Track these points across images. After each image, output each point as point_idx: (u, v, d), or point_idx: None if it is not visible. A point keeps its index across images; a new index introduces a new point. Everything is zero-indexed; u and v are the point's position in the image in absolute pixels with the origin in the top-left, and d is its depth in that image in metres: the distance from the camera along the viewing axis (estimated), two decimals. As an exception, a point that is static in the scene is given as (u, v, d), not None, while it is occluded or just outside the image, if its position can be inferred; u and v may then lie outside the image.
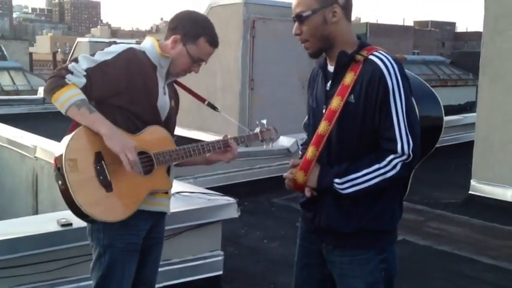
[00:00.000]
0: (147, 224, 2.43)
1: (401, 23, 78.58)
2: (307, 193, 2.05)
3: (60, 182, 2.14)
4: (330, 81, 2.07)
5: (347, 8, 2.05)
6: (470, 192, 6.44)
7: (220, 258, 3.91)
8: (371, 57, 1.98)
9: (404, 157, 1.94)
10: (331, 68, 2.10)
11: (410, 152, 1.94)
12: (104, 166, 2.18)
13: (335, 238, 2.08)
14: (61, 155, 2.13)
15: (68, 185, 2.10)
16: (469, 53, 22.49)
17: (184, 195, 3.88)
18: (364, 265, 2.07)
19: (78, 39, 22.77)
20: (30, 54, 40.03)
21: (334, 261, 2.12)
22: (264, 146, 2.85)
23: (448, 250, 4.96)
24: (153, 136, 2.35)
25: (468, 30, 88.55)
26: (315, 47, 2.07)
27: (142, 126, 2.32)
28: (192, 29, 2.42)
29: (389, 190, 2.04)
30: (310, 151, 2.04)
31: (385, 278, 2.09)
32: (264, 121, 2.85)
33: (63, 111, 2.19)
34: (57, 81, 2.18)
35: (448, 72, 19.12)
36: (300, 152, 2.33)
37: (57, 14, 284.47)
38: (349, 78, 1.98)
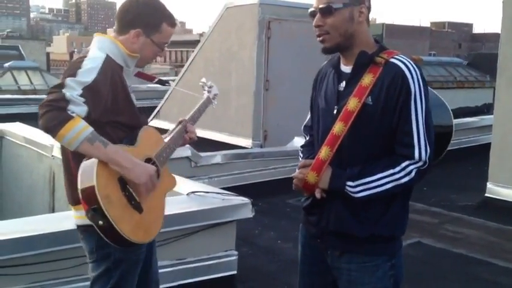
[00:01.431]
0: None
1: (417, 24, 78.09)
2: (318, 194, 2.00)
3: (101, 222, 2.00)
4: (345, 82, 2.03)
5: (369, 12, 2.04)
6: (486, 194, 6.37)
7: (234, 258, 3.92)
8: (393, 60, 1.96)
9: (420, 163, 1.92)
10: (344, 68, 2.06)
11: (427, 158, 1.92)
12: (131, 190, 2.11)
13: (343, 242, 2.03)
14: (93, 193, 1.99)
15: (112, 222, 2.00)
16: (487, 55, 22.26)
17: (199, 195, 3.89)
18: (373, 272, 2.02)
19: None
20: (48, 54, 40.44)
21: (341, 268, 2.07)
22: (213, 105, 2.82)
23: (464, 253, 4.93)
24: (147, 139, 2.29)
25: (485, 32, 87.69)
26: (333, 41, 2.00)
27: (130, 133, 2.25)
28: (152, 18, 2.30)
29: (400, 195, 2.01)
30: (324, 151, 1.99)
31: (393, 285, 2.05)
32: (204, 79, 2.84)
33: (72, 148, 2.02)
34: (59, 116, 1.97)
35: (464, 73, 18.94)
36: (301, 154, 2.27)
37: (73, 14, 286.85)
38: (367, 79, 1.94)
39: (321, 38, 2.02)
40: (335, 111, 2.02)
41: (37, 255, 3.04)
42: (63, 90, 2.01)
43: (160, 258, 3.50)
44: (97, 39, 2.31)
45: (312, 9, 2.03)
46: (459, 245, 5.13)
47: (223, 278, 3.87)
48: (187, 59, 13.07)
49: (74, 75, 2.07)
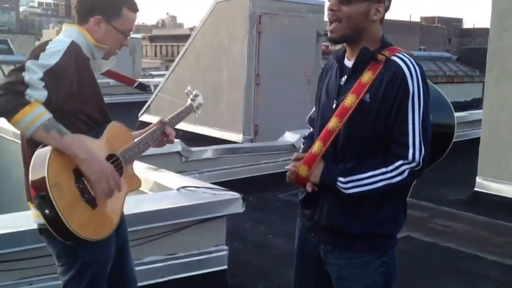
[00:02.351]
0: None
1: (407, 19, 78.26)
2: (309, 188, 2.00)
3: (47, 211, 1.91)
4: (346, 76, 2.02)
5: (387, 10, 2.01)
6: (475, 189, 6.41)
7: (225, 253, 3.92)
8: (393, 58, 1.93)
9: (413, 164, 1.90)
10: (348, 63, 2.04)
11: (421, 160, 1.90)
12: (85, 183, 2.01)
13: (335, 238, 2.03)
14: (43, 181, 1.90)
15: (59, 213, 1.90)
16: (476, 50, 22.34)
17: (190, 190, 3.89)
18: (363, 268, 2.02)
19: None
20: (37, 48, 39.88)
21: (332, 264, 2.07)
22: (196, 115, 2.78)
23: (453, 247, 4.96)
24: (115, 135, 2.21)
25: (475, 27, 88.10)
26: (342, 32, 1.97)
27: (95, 128, 2.16)
28: (111, 4, 2.22)
29: (394, 195, 2.00)
30: (317, 146, 1.99)
31: (384, 282, 2.05)
32: (189, 87, 2.79)
33: (27, 134, 1.95)
34: (16, 99, 1.88)
35: (454, 68, 19.00)
36: (302, 146, 2.28)
37: (63, 8, 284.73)
38: (367, 76, 1.93)
39: (331, 26, 1.98)
40: (334, 105, 2.01)
41: (26, 251, 3.02)
42: (23, 73, 1.93)
43: (150, 253, 3.50)
44: (65, 28, 2.25)
45: None
46: (448, 239, 5.16)
47: (214, 273, 3.87)
48: (178, 53, 13.03)
49: (36, 57, 1.99)
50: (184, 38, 14.71)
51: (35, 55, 2.01)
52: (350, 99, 1.93)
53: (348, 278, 2.04)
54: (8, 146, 6.34)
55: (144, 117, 10.86)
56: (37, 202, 1.94)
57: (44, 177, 1.91)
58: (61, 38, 2.16)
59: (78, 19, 2.24)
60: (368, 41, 1.99)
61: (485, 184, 6.33)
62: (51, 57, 2.00)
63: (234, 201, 3.85)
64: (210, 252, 3.86)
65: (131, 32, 2.33)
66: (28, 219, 3.27)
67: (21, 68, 1.96)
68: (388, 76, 1.91)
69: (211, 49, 9.32)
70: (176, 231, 3.62)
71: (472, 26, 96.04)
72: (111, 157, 2.14)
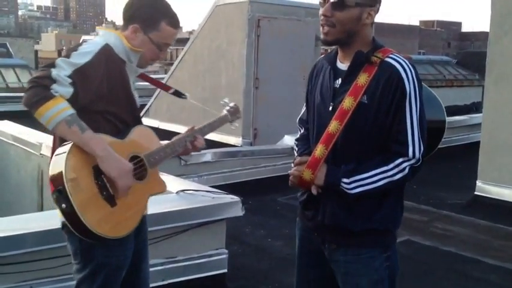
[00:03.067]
0: (135, 231, 2.31)
1: (406, 23, 78.41)
2: (314, 191, 2.03)
3: (64, 205, 1.95)
4: (340, 79, 2.06)
5: (376, 14, 2.05)
6: (475, 192, 6.40)
7: (224, 256, 3.91)
8: (388, 59, 1.98)
9: (413, 161, 1.96)
10: (340, 65, 2.08)
11: (420, 156, 1.96)
12: (105, 180, 2.04)
13: (339, 236, 2.07)
14: (60, 176, 1.95)
15: (75, 207, 1.94)
16: (475, 53, 22.41)
17: (189, 193, 3.88)
18: (369, 263, 2.07)
19: (83, 37, 22.83)
20: (36, 51, 40.13)
21: (338, 260, 2.11)
22: (232, 127, 2.78)
23: (453, 250, 4.95)
24: (140, 137, 2.24)
25: (474, 30, 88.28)
26: (335, 36, 2.01)
27: (123, 128, 2.20)
28: (150, 15, 2.25)
29: (394, 192, 2.05)
30: (319, 149, 2.02)
31: (388, 276, 2.10)
32: (227, 99, 2.79)
33: (49, 127, 1.99)
34: (41, 93, 1.94)
35: (454, 72, 19.03)
36: (296, 148, 2.30)
37: (62, 12, 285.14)
38: (363, 79, 1.97)
39: (324, 29, 2.02)
40: (330, 108, 2.05)
41: (25, 254, 3.02)
42: (52, 69, 1.97)
43: (150, 256, 3.48)
44: (102, 32, 2.30)
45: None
46: (448, 242, 5.16)
47: (213, 276, 3.86)
48: (177, 56, 13.02)
49: (68, 56, 2.05)
50: (183, 41, 14.74)
51: (67, 54, 2.07)
52: (348, 102, 1.97)
53: (355, 273, 2.08)
54: (7, 149, 6.34)
55: (143, 120, 10.84)
56: (55, 196, 1.97)
57: (61, 172, 1.95)
58: (96, 40, 2.21)
59: (122, 25, 2.31)
60: (360, 43, 2.03)
61: (485, 188, 6.32)
62: (82, 57, 2.05)
63: (233, 205, 3.84)
64: (210, 256, 3.85)
65: (169, 46, 2.36)
66: (27, 221, 3.28)
67: (51, 65, 2.01)
68: (385, 77, 1.95)
69: (210, 53, 9.33)
70: (176, 235, 3.62)
71: (471, 30, 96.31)
72: (134, 158, 2.16)
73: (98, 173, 2.03)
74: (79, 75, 2.00)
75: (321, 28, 2.04)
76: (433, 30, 77.32)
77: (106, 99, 2.12)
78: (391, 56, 1.99)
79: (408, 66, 1.97)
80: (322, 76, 2.15)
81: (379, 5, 2.06)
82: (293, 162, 2.12)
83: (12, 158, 6.26)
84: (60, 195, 1.95)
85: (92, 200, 2.01)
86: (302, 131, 2.34)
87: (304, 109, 2.34)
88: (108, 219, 2.06)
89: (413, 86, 1.95)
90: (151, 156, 2.24)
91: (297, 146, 2.31)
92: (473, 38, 75.85)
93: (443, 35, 76.89)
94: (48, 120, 1.95)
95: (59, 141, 2.13)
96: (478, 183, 6.39)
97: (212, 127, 2.62)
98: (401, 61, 1.98)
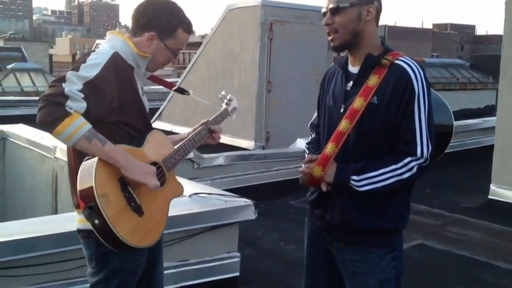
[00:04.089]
0: None
1: (420, 26, 78.09)
2: (324, 188, 2.07)
3: (96, 221, 1.96)
4: (352, 82, 2.11)
5: (378, 12, 2.11)
6: (489, 196, 6.36)
7: (237, 259, 3.92)
8: (397, 62, 2.04)
9: (421, 160, 2.00)
10: (352, 69, 2.14)
11: (428, 156, 2.00)
12: (131, 191, 2.07)
13: (348, 235, 2.10)
14: (91, 192, 1.96)
15: (108, 222, 1.96)
16: (489, 56, 22.26)
17: (202, 196, 3.89)
18: (376, 263, 2.10)
19: (97, 41, 23.00)
20: (50, 55, 40.46)
21: (346, 260, 2.14)
22: (232, 119, 2.80)
23: (466, 255, 4.92)
24: (155, 143, 2.25)
25: (488, 33, 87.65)
26: (342, 39, 2.08)
27: (136, 135, 2.21)
28: (168, 23, 2.25)
29: (402, 191, 2.09)
30: (330, 147, 2.07)
31: (395, 276, 2.13)
32: (223, 92, 2.84)
33: (68, 145, 2.01)
34: (57, 111, 1.92)
35: (467, 75, 18.91)
36: (307, 151, 2.35)
37: (76, 16, 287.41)
38: (373, 80, 2.03)
39: (330, 37, 2.10)
40: (342, 110, 2.10)
41: (40, 257, 3.04)
42: (63, 85, 1.96)
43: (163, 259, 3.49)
44: (110, 37, 2.28)
45: (323, 10, 2.11)
46: (462, 246, 5.12)
47: (225, 280, 3.87)
48: (189, 60, 13.08)
49: (77, 69, 2.03)
50: (196, 45, 14.79)
51: (77, 66, 2.05)
52: (359, 102, 2.03)
53: (363, 272, 2.11)
54: (22, 152, 6.40)
55: (156, 124, 10.91)
56: (86, 213, 1.98)
57: (91, 188, 1.96)
58: (104, 49, 2.18)
59: (133, 29, 2.28)
60: (368, 44, 2.09)
61: (499, 192, 6.27)
62: (91, 69, 2.04)
63: (246, 208, 3.85)
64: (222, 259, 3.86)
65: (180, 51, 2.39)
66: (42, 224, 3.31)
67: (62, 79, 1.99)
68: (394, 79, 2.01)
69: (223, 56, 9.35)
70: (188, 238, 3.63)
71: (485, 33, 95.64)
72: (153, 165, 2.18)
73: (123, 185, 2.05)
74: (90, 89, 2.00)
75: (329, 38, 2.11)
76: (447, 33, 76.87)
77: (118, 109, 2.12)
78: (400, 58, 2.05)
79: (417, 67, 2.02)
80: (334, 81, 2.21)
81: (379, 3, 2.11)
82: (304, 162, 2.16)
83: (27, 162, 6.31)
84: (92, 212, 1.96)
85: (122, 213, 2.04)
86: (313, 135, 2.39)
87: (315, 114, 2.39)
88: (138, 230, 2.09)
89: (421, 87, 2.00)
90: (167, 161, 2.26)
91: (307, 148, 2.37)
92: (487, 41, 75.29)
93: (456, 38, 76.42)
94: (67, 138, 1.95)
95: (76, 151, 2.14)
96: (492, 187, 6.34)
97: (216, 122, 2.64)
98: (410, 63, 2.03)
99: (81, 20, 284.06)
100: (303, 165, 2.14)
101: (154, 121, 10.98)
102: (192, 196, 3.87)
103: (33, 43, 43.12)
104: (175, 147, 2.36)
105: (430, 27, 78.99)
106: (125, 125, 2.18)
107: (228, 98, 2.82)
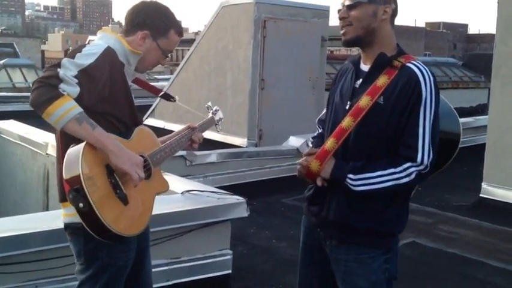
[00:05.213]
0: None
1: (412, 24, 78.23)
2: (319, 182, 2.06)
3: (81, 204, 1.94)
4: (361, 80, 2.10)
5: (395, 13, 2.11)
6: (481, 195, 6.39)
7: (229, 257, 3.91)
8: (409, 64, 2.02)
9: (421, 167, 1.97)
10: (363, 67, 2.13)
11: (428, 163, 1.97)
12: (117, 179, 2.05)
13: (341, 233, 2.09)
14: (77, 175, 1.95)
15: (93, 205, 1.94)
16: (481, 55, 22.32)
17: (194, 193, 3.88)
18: (368, 264, 2.08)
19: (90, 37, 22.89)
20: (42, 51, 40.25)
21: (339, 259, 2.13)
22: (217, 129, 2.83)
23: (458, 253, 4.94)
24: (142, 138, 2.28)
25: (480, 32, 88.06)
26: (354, 33, 2.06)
27: (124, 130, 2.22)
28: (162, 23, 2.32)
29: (402, 195, 2.07)
30: (330, 142, 2.06)
31: (387, 278, 2.10)
32: (210, 103, 2.87)
33: (58, 127, 1.99)
34: (50, 92, 1.93)
35: (459, 74, 18.98)
36: (311, 144, 2.34)
37: (69, 12, 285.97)
38: (382, 80, 2.01)
39: (343, 30, 2.09)
40: (347, 106, 2.09)
41: (31, 254, 3.03)
42: (58, 69, 1.98)
43: (154, 257, 3.48)
44: (101, 35, 2.32)
45: (340, 7, 2.10)
46: (453, 245, 5.14)
47: (218, 277, 3.86)
48: (182, 57, 13.04)
49: (72, 57, 2.06)
50: (189, 42, 14.78)
51: (72, 55, 2.08)
52: (365, 101, 2.01)
53: (354, 272, 2.10)
54: (14, 149, 6.37)
55: (149, 121, 10.88)
56: (71, 196, 1.96)
57: (78, 171, 1.95)
58: (98, 42, 2.22)
59: (126, 28, 2.33)
60: (382, 43, 2.08)
61: (490, 190, 6.31)
62: (86, 58, 2.07)
63: (238, 206, 3.84)
64: (215, 257, 3.85)
65: (170, 53, 2.43)
66: (33, 221, 3.29)
67: (57, 65, 2.02)
68: (403, 81, 1.99)
69: (216, 53, 9.34)
70: (180, 235, 3.62)
71: (477, 32, 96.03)
72: None
73: (110, 171, 2.05)
74: (84, 76, 2.02)
75: (341, 32, 2.09)
76: (439, 32, 77.09)
77: (107, 101, 2.14)
78: (412, 62, 2.04)
79: (427, 73, 2.01)
80: (345, 77, 2.20)
81: (395, 5, 2.10)
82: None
83: (18, 158, 6.28)
84: (78, 194, 1.94)
85: (108, 199, 2.02)
86: (319, 130, 2.38)
87: (324, 110, 2.37)
88: (123, 217, 2.08)
89: (430, 92, 1.98)
90: (154, 156, 2.27)
91: (312, 143, 2.36)
92: (480, 40, 75.65)
93: (449, 37, 76.66)
94: (57, 119, 1.95)
95: (64, 142, 2.14)
96: (484, 185, 6.38)
97: (202, 129, 2.67)
98: (421, 67, 2.02)
99: (73, 16, 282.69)
100: (302, 158, 2.12)
101: (147, 118, 10.95)
102: (184, 193, 3.86)
103: (25, 39, 42.89)
104: (162, 144, 2.38)
105: (423, 25, 79.23)
106: (113, 118, 2.20)
107: (214, 108, 2.84)
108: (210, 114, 2.81)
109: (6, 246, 2.99)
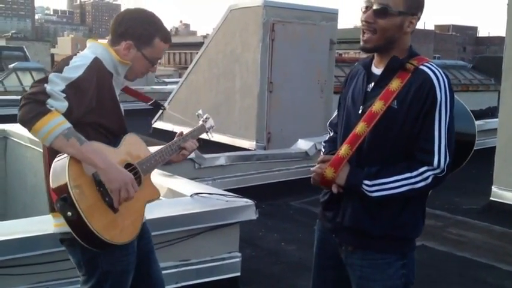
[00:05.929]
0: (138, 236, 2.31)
1: (421, 27, 78.00)
2: (334, 189, 2.03)
3: (69, 213, 1.93)
4: (373, 83, 2.06)
5: (418, 21, 2.07)
6: (491, 198, 6.35)
7: (237, 259, 3.92)
8: (422, 67, 1.99)
9: (437, 171, 1.94)
10: (375, 70, 2.09)
11: (445, 167, 1.95)
12: (106, 187, 2.03)
13: (356, 239, 2.07)
14: (64, 183, 1.93)
15: (82, 214, 1.92)
16: (491, 58, 22.18)
17: (203, 196, 3.89)
18: (384, 269, 2.06)
19: (99, 41, 22.96)
20: (52, 55, 40.50)
21: (354, 264, 2.10)
22: (209, 136, 2.81)
23: (468, 256, 4.91)
24: (131, 145, 2.25)
25: (490, 35, 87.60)
26: (375, 43, 2.02)
27: (112, 138, 2.21)
28: (145, 32, 2.28)
29: (415, 200, 2.04)
30: (344, 149, 2.03)
31: (403, 284, 2.08)
32: (200, 111, 2.84)
33: (47, 143, 1.96)
34: (37, 108, 1.91)
35: (469, 77, 18.87)
36: (323, 149, 2.32)
37: (78, 16, 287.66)
38: (395, 84, 1.98)
39: (365, 36, 2.02)
40: (360, 111, 2.06)
41: (41, 255, 3.05)
42: (45, 85, 1.97)
43: (163, 259, 3.50)
44: (90, 45, 2.30)
45: (366, 4, 2.03)
46: (463, 248, 5.12)
47: (226, 279, 3.87)
48: (191, 60, 13.08)
49: (59, 71, 2.04)
50: (198, 45, 14.82)
51: (59, 69, 2.06)
52: (378, 105, 1.98)
53: (370, 278, 2.07)
54: (24, 151, 6.40)
55: (158, 124, 10.92)
56: (59, 205, 1.95)
57: (64, 179, 1.94)
58: (85, 53, 2.21)
59: (111, 40, 2.31)
60: (397, 50, 2.03)
61: (500, 193, 6.27)
62: (74, 71, 2.05)
63: (247, 208, 3.85)
64: (223, 259, 3.86)
65: (159, 60, 2.40)
66: (43, 223, 3.30)
67: (44, 80, 2.00)
68: (417, 84, 1.95)
69: (224, 56, 9.36)
70: (189, 238, 3.63)
71: (487, 35, 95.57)
72: (128, 166, 2.17)
73: (98, 180, 2.02)
74: (72, 90, 2.00)
75: (361, 35, 2.04)
76: (449, 34, 76.84)
77: (95, 111, 2.12)
78: (426, 64, 2.00)
79: (441, 75, 1.97)
80: (355, 80, 2.16)
81: (421, 14, 2.06)
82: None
83: (28, 161, 6.32)
84: (65, 203, 1.93)
85: (97, 207, 2.00)
86: (331, 134, 2.35)
87: (335, 113, 2.34)
88: (113, 225, 2.06)
89: (444, 95, 1.94)
90: (143, 164, 2.25)
91: (324, 147, 2.34)
92: (489, 43, 75.27)
93: (458, 40, 76.39)
94: (45, 135, 1.93)
95: (50, 156, 2.12)
96: (494, 188, 6.34)
97: (192, 136, 2.64)
98: (435, 70, 1.98)
99: (83, 19, 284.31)
100: (316, 165, 2.10)
101: (155, 121, 10.99)
102: (193, 196, 3.87)
103: (35, 42, 43.16)
104: (152, 152, 2.36)
105: (432, 28, 78.93)
106: (101, 127, 2.18)
107: (204, 116, 2.82)
108: (201, 122, 2.79)
109: (17, 248, 3.01)
